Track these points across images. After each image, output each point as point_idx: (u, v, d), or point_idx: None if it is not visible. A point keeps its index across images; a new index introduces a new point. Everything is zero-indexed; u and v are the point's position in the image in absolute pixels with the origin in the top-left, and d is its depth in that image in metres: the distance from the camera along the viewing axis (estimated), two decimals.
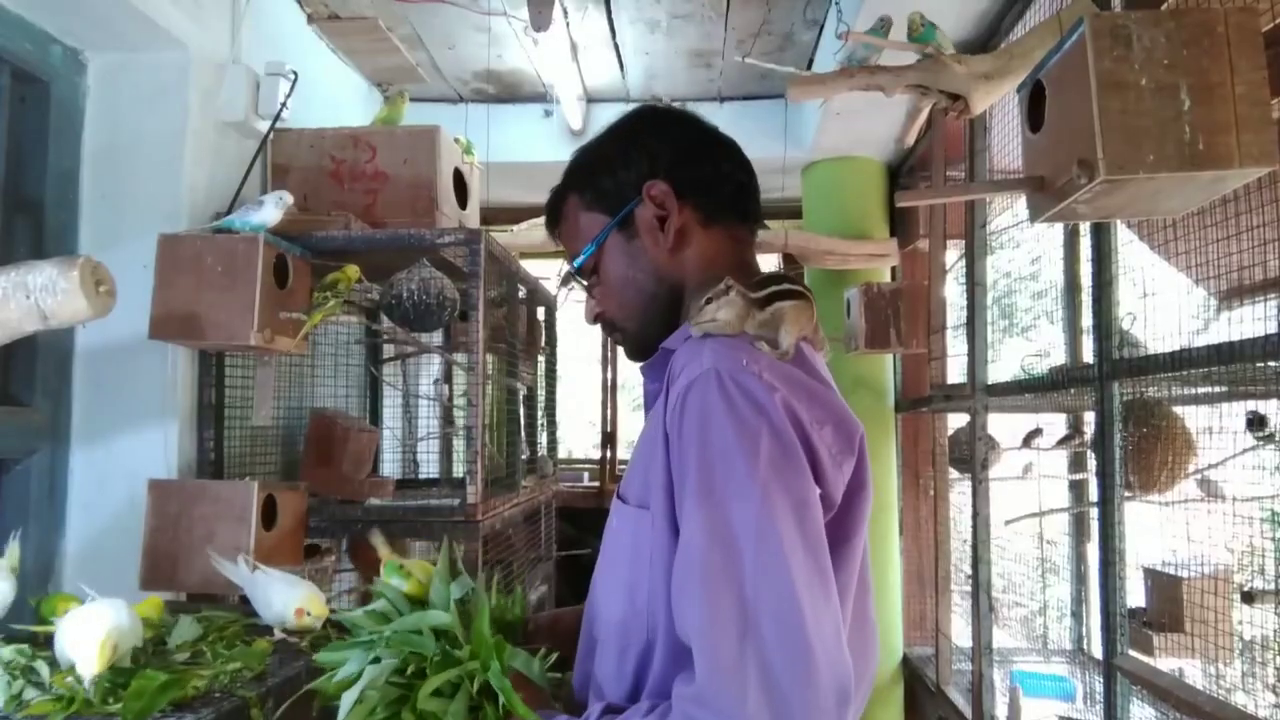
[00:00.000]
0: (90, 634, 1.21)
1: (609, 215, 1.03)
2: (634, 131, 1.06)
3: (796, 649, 0.73)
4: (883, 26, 2.20)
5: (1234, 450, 2.20)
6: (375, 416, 3.12)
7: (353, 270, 2.11)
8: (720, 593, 0.76)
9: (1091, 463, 2.22)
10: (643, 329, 1.05)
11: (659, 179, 1.01)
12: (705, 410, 0.81)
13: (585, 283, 1.08)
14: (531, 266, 2.92)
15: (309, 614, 1.54)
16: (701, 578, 0.77)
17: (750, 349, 0.87)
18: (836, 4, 2.70)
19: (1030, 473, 3.18)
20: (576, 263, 1.05)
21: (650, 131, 1.05)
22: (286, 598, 1.55)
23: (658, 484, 0.86)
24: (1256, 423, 2.13)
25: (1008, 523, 3.00)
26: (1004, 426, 3.12)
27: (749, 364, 0.84)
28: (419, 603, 1.07)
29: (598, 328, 1.11)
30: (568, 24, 3.17)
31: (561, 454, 4.58)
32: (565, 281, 1.14)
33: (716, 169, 1.04)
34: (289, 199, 2.04)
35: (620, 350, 1.13)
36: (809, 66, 3.51)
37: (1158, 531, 2.31)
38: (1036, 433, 3.13)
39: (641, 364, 1.04)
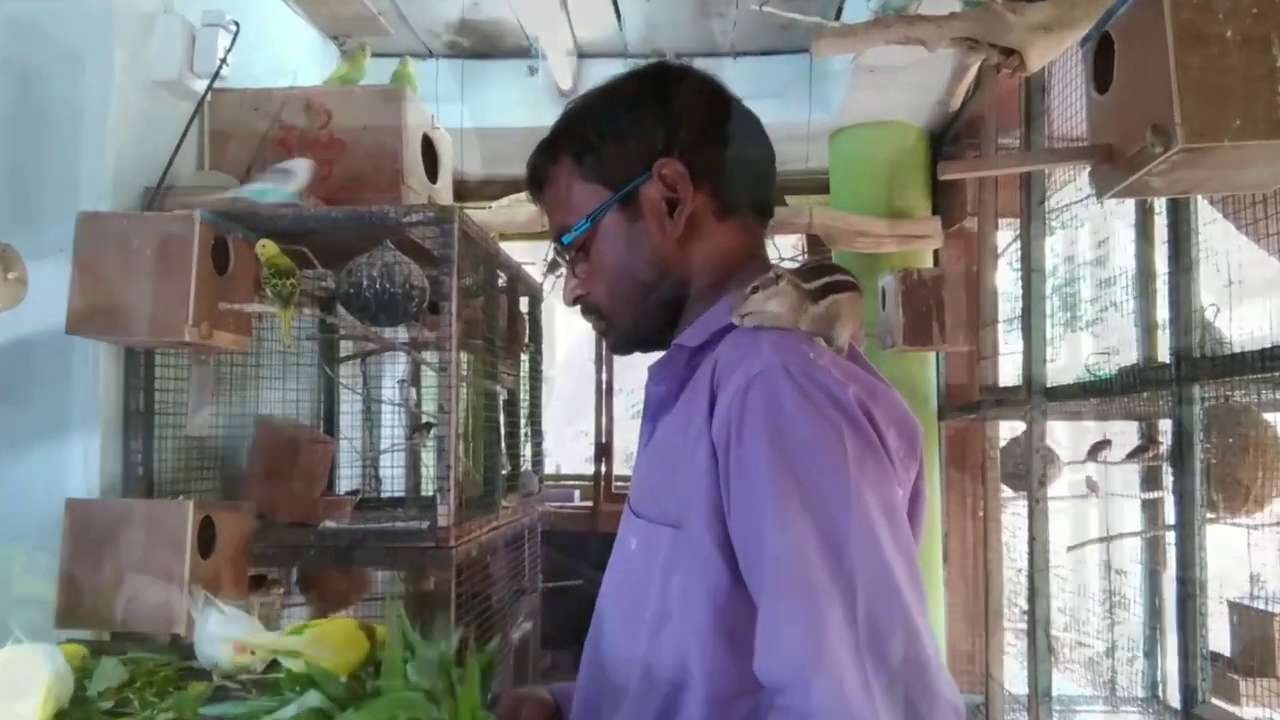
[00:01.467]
0: (28, 688, 1.19)
1: (610, 189, 1.01)
2: (649, 95, 1.03)
3: (919, 667, 0.76)
4: None
5: None
6: (331, 425, 3.12)
7: (272, 248, 2.04)
8: (831, 611, 0.77)
9: (1168, 479, 2.22)
10: (634, 322, 1.05)
11: (673, 157, 0.99)
12: (776, 408, 0.82)
13: (569, 258, 1.06)
14: (513, 250, 2.92)
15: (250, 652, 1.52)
16: (805, 596, 0.78)
17: (810, 342, 0.88)
18: None
19: (1096, 491, 3.18)
20: (565, 238, 1.03)
21: (668, 98, 1.03)
22: (218, 634, 1.54)
23: (699, 497, 0.86)
24: None
25: (1070, 549, 3.00)
26: (1065, 437, 3.12)
27: (816, 358, 0.85)
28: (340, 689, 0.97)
29: (593, 323, 1.10)
30: None
31: (549, 469, 4.58)
32: (553, 268, 1.14)
33: (739, 152, 1.03)
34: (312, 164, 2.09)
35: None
36: (837, 16, 3.51)
37: (1245, 559, 2.31)
38: (1104, 444, 3.13)
39: (651, 364, 1.03)
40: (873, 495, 0.80)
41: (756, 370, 0.84)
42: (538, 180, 1.08)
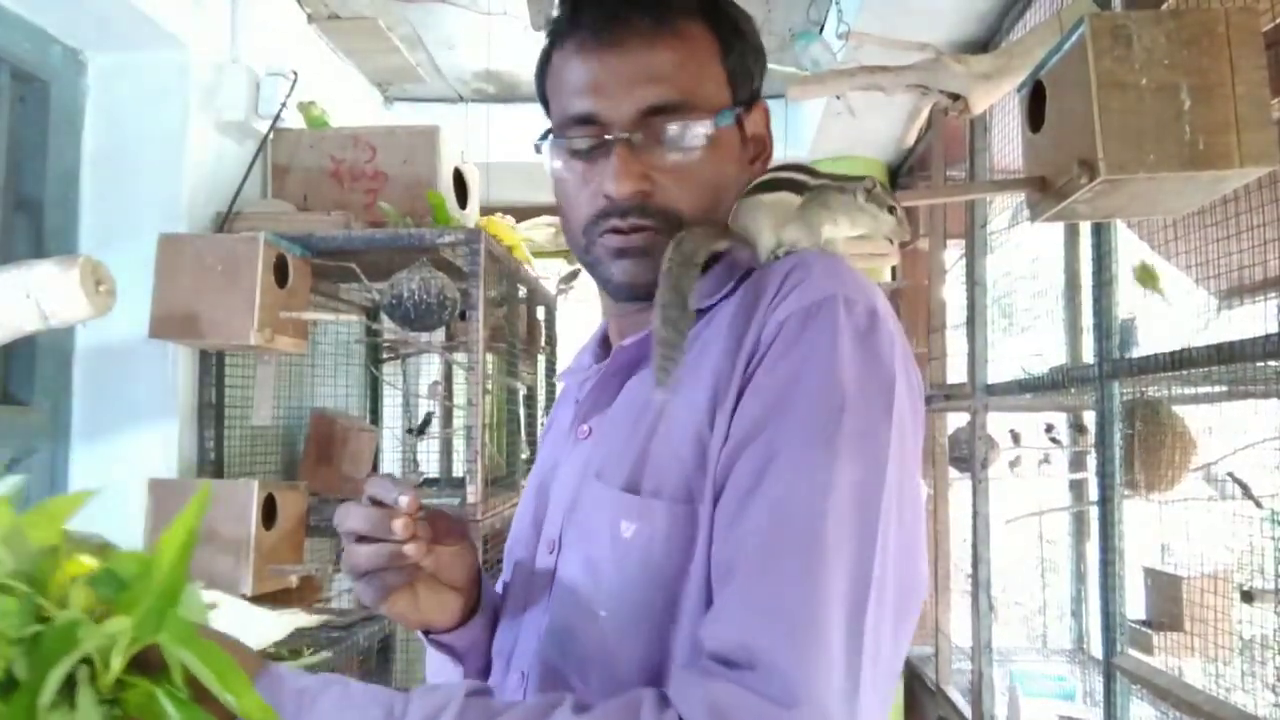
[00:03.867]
0: None
1: (731, 94, 0.77)
2: (757, 37, 0.81)
3: (886, 673, 0.61)
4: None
5: (1233, 449, 2.20)
6: (375, 416, 3.12)
7: None
8: (834, 569, 0.57)
9: (1092, 462, 2.22)
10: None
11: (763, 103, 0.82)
12: (831, 344, 0.62)
13: (639, 135, 0.73)
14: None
15: None
16: (810, 545, 0.57)
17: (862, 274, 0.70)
18: (837, 4, 2.70)
19: (1018, 469, 3.16)
20: (719, 119, 0.74)
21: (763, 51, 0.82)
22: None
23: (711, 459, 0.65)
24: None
25: (1008, 522, 3.00)
26: (1004, 425, 3.12)
27: (876, 294, 0.67)
28: None
29: (631, 235, 0.76)
30: None
31: None
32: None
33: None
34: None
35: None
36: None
37: (1158, 530, 2.31)
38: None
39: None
40: (902, 463, 0.62)
41: (810, 300, 0.64)
42: (659, 13, 0.73)
